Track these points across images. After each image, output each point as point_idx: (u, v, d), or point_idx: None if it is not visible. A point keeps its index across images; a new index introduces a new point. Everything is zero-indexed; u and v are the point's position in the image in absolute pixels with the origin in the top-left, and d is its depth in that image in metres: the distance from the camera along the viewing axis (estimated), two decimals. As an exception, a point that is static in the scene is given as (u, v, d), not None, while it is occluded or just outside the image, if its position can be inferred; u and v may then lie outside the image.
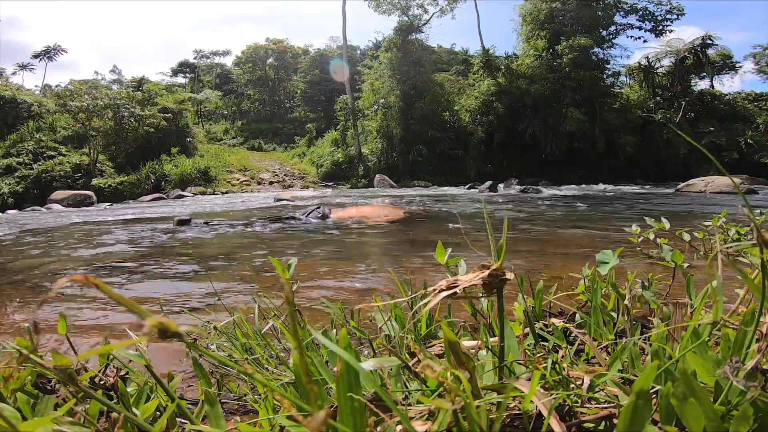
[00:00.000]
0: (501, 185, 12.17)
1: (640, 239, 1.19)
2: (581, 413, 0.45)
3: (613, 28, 20.56)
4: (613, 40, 20.60)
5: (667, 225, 1.30)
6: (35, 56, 40.31)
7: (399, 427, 0.39)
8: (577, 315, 0.80)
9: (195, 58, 39.29)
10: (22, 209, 10.42)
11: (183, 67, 39.62)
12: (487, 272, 0.45)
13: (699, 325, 0.51)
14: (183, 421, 0.54)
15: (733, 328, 0.52)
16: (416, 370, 0.43)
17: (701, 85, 22.82)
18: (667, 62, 21.82)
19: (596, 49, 19.79)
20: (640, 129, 19.02)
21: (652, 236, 1.18)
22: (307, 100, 29.60)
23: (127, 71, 75.18)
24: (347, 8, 20.20)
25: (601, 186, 13.00)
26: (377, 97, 19.40)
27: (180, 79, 39.16)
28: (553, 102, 18.38)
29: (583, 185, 13.45)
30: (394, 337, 0.73)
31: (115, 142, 15.50)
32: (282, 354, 0.79)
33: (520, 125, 18.43)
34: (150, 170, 14.51)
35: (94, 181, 13.71)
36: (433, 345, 0.72)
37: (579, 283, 0.93)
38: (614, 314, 0.78)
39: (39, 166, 13.92)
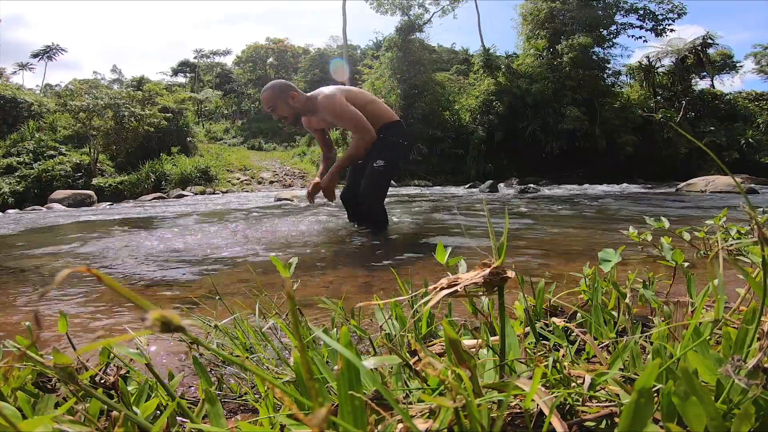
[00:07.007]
0: (501, 184, 12.17)
1: (641, 238, 1.19)
2: (582, 412, 0.45)
3: (613, 27, 20.56)
4: (614, 40, 20.62)
5: (666, 224, 1.30)
6: (35, 56, 40.41)
7: (400, 425, 0.39)
8: (578, 314, 0.80)
9: (195, 57, 39.23)
10: (22, 209, 10.41)
11: (183, 67, 39.56)
12: (488, 270, 0.45)
13: (700, 323, 0.51)
14: (183, 419, 0.54)
15: (734, 326, 0.52)
16: (417, 368, 0.43)
17: (702, 84, 22.83)
18: (667, 61, 21.81)
19: (596, 49, 19.80)
20: (641, 128, 19.02)
21: (650, 237, 1.18)
22: (307, 99, 29.50)
23: (128, 71, 75.35)
24: (347, 8, 20.21)
25: (602, 185, 12.98)
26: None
27: (180, 79, 39.09)
28: (554, 101, 18.39)
29: (584, 184, 13.43)
30: (395, 336, 0.73)
31: (115, 142, 15.47)
32: (283, 353, 0.79)
33: (520, 124, 18.44)
34: (150, 169, 14.47)
35: (95, 181, 13.70)
36: (434, 344, 0.72)
37: (580, 282, 0.93)
38: (615, 313, 0.77)
39: (39, 165, 13.91)
